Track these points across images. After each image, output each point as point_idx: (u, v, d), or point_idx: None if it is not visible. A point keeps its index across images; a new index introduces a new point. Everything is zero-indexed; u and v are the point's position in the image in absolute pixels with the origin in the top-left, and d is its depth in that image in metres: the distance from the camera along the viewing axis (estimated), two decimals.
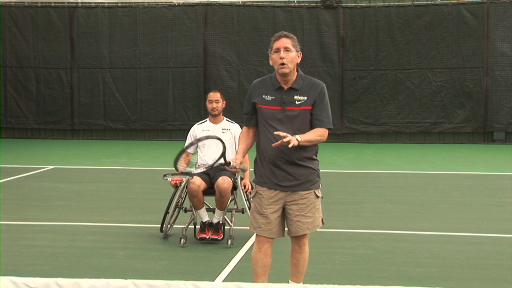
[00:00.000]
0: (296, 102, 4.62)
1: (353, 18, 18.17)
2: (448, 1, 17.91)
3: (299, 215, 4.73)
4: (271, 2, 18.43)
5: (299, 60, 4.68)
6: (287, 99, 4.62)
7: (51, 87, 19.30)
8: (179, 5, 18.74)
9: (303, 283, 4.90)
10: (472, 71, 17.91)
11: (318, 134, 4.63)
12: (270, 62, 4.69)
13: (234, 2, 18.55)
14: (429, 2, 18.01)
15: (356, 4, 18.22)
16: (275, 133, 4.48)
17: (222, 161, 4.78)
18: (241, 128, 7.45)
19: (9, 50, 19.38)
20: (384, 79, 18.22)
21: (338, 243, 7.09)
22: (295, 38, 4.69)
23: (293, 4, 18.40)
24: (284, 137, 4.39)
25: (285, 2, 18.42)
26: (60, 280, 2.81)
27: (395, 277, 5.86)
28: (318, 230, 4.98)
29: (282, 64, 4.57)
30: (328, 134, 4.75)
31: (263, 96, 4.68)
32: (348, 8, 18.19)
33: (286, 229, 4.90)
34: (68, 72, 19.23)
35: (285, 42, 4.62)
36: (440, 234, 7.52)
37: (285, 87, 4.65)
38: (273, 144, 4.48)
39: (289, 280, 5.01)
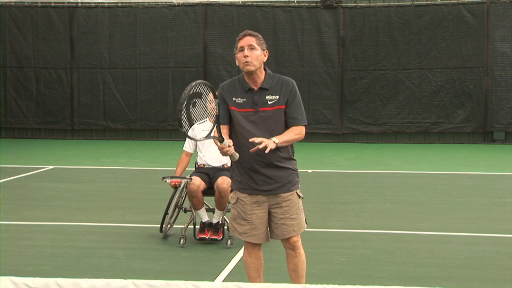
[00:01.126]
0: (269, 102, 4.52)
1: (353, 18, 18.17)
2: (448, 1, 17.90)
3: (283, 218, 4.63)
4: (271, 2, 18.43)
5: (265, 58, 4.58)
6: (259, 100, 4.52)
7: (51, 87, 19.30)
8: (179, 5, 18.73)
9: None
10: (472, 71, 17.91)
11: (295, 133, 4.54)
12: (236, 63, 4.60)
13: (234, 2, 18.55)
14: (429, 2, 18.01)
15: (356, 4, 18.21)
16: (250, 140, 4.33)
17: (214, 134, 4.38)
18: None
19: (9, 50, 19.38)
20: (384, 79, 18.22)
21: (338, 243, 7.09)
22: (260, 36, 4.59)
23: (293, 4, 18.39)
24: (260, 142, 4.28)
25: (285, 2, 18.41)
26: (60, 280, 2.81)
27: (395, 277, 5.86)
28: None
29: (246, 62, 4.48)
30: (305, 131, 4.67)
31: (234, 99, 4.57)
32: (348, 8, 18.18)
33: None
34: (68, 72, 19.23)
35: (249, 40, 4.53)
36: (440, 234, 7.52)
37: (255, 88, 4.55)
38: (250, 150, 4.34)
39: None
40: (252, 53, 4.50)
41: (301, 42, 18.15)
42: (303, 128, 4.61)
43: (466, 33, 17.81)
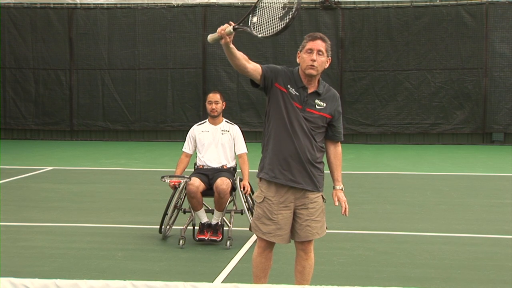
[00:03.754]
0: (316, 106, 4.56)
1: (352, 19, 18.19)
2: (447, 2, 17.92)
3: (309, 220, 4.64)
4: None
5: (327, 65, 4.61)
6: (309, 101, 4.55)
7: (50, 88, 19.30)
8: (178, 6, 18.74)
9: None
10: (471, 72, 17.92)
11: (340, 162, 4.85)
12: (298, 60, 4.59)
13: (233, 3, 18.56)
14: (428, 3, 18.02)
15: (355, 5, 18.23)
16: (335, 204, 4.72)
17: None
18: (241, 130, 7.47)
19: (8, 51, 19.37)
20: (383, 80, 18.23)
21: (337, 244, 7.09)
22: (329, 43, 4.60)
23: None
24: (346, 209, 4.73)
25: None
26: (59, 281, 2.80)
27: (394, 278, 5.86)
28: None
29: (312, 66, 4.49)
30: None
31: (289, 86, 4.56)
32: (347, 9, 18.20)
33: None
34: (67, 73, 19.23)
35: (320, 45, 4.52)
36: (439, 235, 7.52)
37: (309, 89, 4.57)
38: (342, 213, 4.72)
39: None
40: (319, 58, 4.52)
41: (300, 43, 18.08)
42: (340, 146, 4.87)
43: (465, 34, 17.82)
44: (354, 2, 18.26)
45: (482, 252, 6.77)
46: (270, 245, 4.73)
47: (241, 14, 18.28)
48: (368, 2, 18.25)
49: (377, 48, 18.21)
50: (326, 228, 4.84)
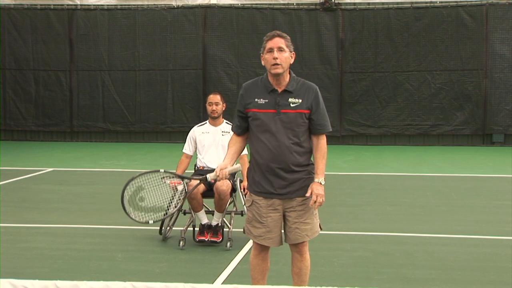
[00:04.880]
0: (291, 105, 4.49)
1: (352, 20, 18.19)
2: (447, 4, 17.92)
3: (297, 222, 4.60)
4: (270, 4, 18.44)
5: (292, 60, 4.56)
6: (281, 102, 4.49)
7: (50, 89, 19.30)
8: (178, 7, 18.75)
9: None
10: (471, 73, 17.92)
11: (323, 155, 4.57)
12: (262, 62, 4.57)
13: (233, 4, 18.56)
14: (428, 4, 18.02)
15: (355, 7, 18.23)
16: (306, 195, 4.46)
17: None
18: None
19: (8, 53, 19.38)
20: (383, 81, 18.23)
21: (337, 245, 7.09)
22: (288, 38, 4.56)
23: (292, 6, 18.41)
24: (315, 200, 4.44)
25: (284, 4, 18.43)
26: (59, 283, 2.80)
27: (394, 279, 5.86)
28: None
29: (275, 64, 4.45)
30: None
31: (256, 99, 4.52)
32: (347, 11, 18.20)
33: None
34: (67, 74, 19.24)
35: (278, 42, 4.49)
36: (439, 236, 7.52)
37: (279, 90, 4.52)
38: (310, 204, 4.48)
39: None
40: (281, 55, 4.48)
41: (300, 44, 18.15)
42: (325, 138, 4.62)
43: (465, 35, 17.83)
44: (354, 3, 18.26)
45: (482, 253, 6.77)
46: (265, 247, 4.72)
47: (241, 15, 18.34)
48: (368, 3, 18.25)
49: (377, 50, 18.21)
50: (321, 229, 4.79)
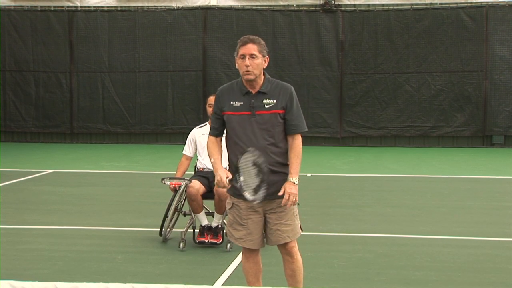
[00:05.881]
0: (266, 106, 4.51)
1: (352, 22, 18.20)
2: (447, 5, 17.94)
3: (278, 224, 4.60)
4: (270, 6, 18.46)
5: (265, 65, 4.57)
6: (256, 104, 4.51)
7: (50, 91, 19.31)
8: (178, 9, 18.76)
9: None
10: (471, 75, 17.93)
11: (297, 155, 4.54)
12: (236, 66, 4.59)
13: (233, 6, 18.57)
14: (428, 6, 18.03)
15: (355, 8, 18.24)
16: (279, 194, 4.42)
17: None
18: None
19: (8, 54, 19.39)
20: (383, 83, 18.24)
21: (337, 246, 7.09)
22: (262, 42, 4.56)
23: (292, 8, 18.42)
24: (287, 199, 4.42)
25: (284, 6, 18.44)
26: (59, 284, 2.81)
27: (395, 280, 5.86)
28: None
29: (247, 71, 4.48)
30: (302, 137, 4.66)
31: (231, 102, 4.55)
32: (347, 12, 18.21)
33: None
34: (67, 76, 19.24)
35: (250, 48, 4.49)
36: (439, 238, 7.52)
37: (253, 92, 4.54)
38: (282, 203, 4.44)
39: None
40: (253, 62, 4.49)
41: (300, 46, 18.16)
42: (300, 138, 4.60)
43: (465, 37, 17.84)
44: (354, 5, 18.28)
45: (483, 254, 6.77)
46: (254, 250, 4.73)
47: (241, 16, 18.34)
48: (368, 5, 18.27)
49: (377, 51, 18.22)
50: (302, 230, 4.78)
